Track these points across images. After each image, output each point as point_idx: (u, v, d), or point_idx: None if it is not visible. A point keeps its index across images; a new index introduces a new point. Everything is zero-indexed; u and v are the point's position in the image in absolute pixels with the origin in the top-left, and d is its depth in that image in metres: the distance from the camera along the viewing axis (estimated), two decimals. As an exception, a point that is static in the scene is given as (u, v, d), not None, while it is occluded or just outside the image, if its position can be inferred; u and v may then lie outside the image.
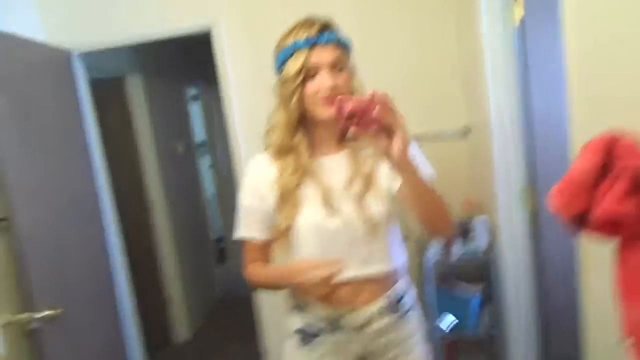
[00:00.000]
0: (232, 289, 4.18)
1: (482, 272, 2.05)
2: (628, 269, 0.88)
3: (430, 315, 1.92)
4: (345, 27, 1.15)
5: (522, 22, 1.69)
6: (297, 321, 1.19)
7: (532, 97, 1.74)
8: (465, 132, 2.13)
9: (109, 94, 2.92)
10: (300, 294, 1.17)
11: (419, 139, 2.21)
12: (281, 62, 1.09)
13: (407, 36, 2.16)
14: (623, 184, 0.81)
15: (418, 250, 2.05)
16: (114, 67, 2.91)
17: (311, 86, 1.06)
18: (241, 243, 1.20)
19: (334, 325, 1.15)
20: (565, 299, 1.58)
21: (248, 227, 1.17)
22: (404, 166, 0.94)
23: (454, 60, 2.14)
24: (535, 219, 1.82)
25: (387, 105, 0.90)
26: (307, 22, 1.08)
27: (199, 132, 4.55)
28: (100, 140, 2.37)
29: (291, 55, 1.07)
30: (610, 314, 0.92)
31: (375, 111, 0.90)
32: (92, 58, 2.31)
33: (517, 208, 1.84)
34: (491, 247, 1.94)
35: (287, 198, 1.12)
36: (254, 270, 1.18)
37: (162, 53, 3.34)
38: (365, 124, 0.91)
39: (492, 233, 1.96)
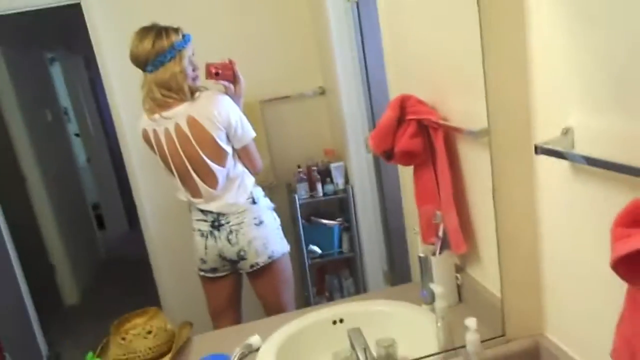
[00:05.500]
0: (114, 253, 4.29)
1: (340, 206, 2.52)
2: (420, 184, 1.34)
3: (301, 245, 2.35)
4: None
5: (357, 1, 2.09)
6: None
7: (368, 62, 2.17)
8: (321, 92, 2.53)
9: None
10: None
11: (285, 99, 2.57)
12: (162, 61, 1.69)
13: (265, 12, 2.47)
14: (411, 129, 1.25)
15: (288, 193, 2.45)
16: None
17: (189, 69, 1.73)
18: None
19: None
20: (400, 218, 2.08)
21: None
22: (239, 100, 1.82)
23: (308, 29, 2.50)
24: (377, 159, 2.29)
25: (235, 67, 1.82)
26: (170, 29, 1.72)
27: (63, 97, 4.44)
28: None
29: (172, 57, 1.69)
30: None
31: (232, 70, 1.81)
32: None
33: (364, 152, 2.30)
34: (347, 186, 2.40)
35: None
36: None
37: (21, 22, 3.25)
38: (224, 77, 1.80)
39: (346, 175, 2.42)
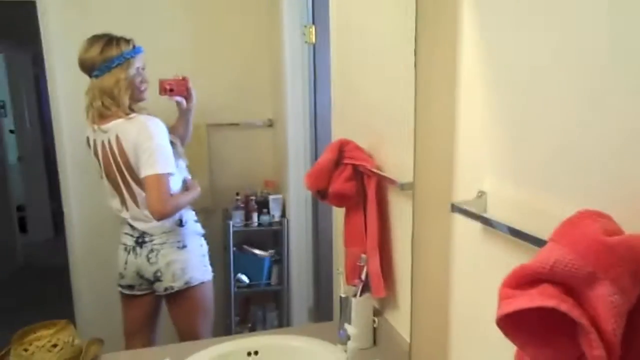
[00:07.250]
0: (34, 259, 4.07)
1: (274, 238, 2.53)
2: (349, 226, 1.38)
3: (229, 273, 2.34)
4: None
5: (315, 43, 2.18)
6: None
7: (318, 102, 2.24)
8: (269, 125, 2.58)
9: None
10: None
11: (232, 126, 2.60)
12: (108, 67, 1.69)
13: (227, 44, 2.51)
14: (347, 172, 1.30)
15: (223, 219, 2.44)
16: None
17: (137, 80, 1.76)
18: (161, 178, 1.70)
19: None
20: (330, 256, 2.12)
21: (171, 165, 1.72)
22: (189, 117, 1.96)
23: (264, 61, 2.56)
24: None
25: (189, 83, 1.91)
26: (122, 39, 1.74)
27: (1, 91, 4.26)
28: None
29: (119, 64, 1.69)
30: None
31: (186, 87, 1.90)
32: None
33: (303, 188, 2.34)
34: (283, 219, 2.42)
35: None
36: (176, 197, 1.78)
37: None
38: (178, 93, 1.90)
39: (284, 208, 2.45)
